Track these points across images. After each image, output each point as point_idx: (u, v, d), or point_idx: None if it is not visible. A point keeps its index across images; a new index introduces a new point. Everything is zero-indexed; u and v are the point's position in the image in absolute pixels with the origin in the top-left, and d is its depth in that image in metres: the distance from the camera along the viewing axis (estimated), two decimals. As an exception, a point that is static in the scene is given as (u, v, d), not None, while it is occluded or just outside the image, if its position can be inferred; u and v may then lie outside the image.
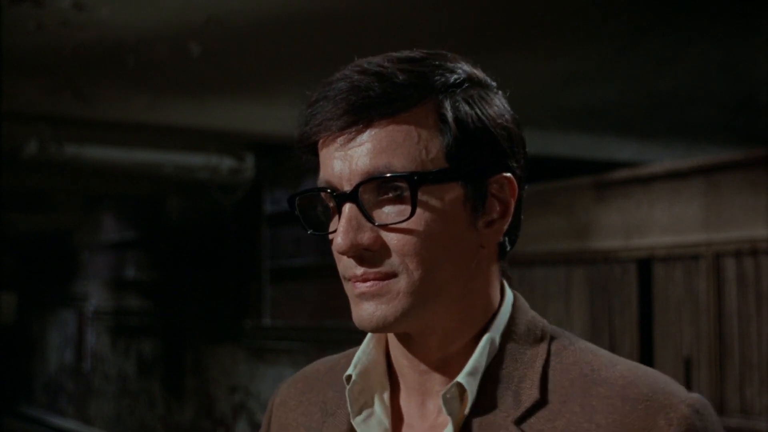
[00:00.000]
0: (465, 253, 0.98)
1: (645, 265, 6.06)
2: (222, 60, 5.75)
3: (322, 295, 8.35)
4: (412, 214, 0.94)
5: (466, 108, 0.97)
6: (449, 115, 0.96)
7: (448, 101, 0.96)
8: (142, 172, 7.19)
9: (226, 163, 7.28)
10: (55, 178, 9.05)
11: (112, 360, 13.14)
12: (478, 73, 1.02)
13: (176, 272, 10.83)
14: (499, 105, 1.01)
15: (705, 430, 0.94)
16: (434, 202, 0.96)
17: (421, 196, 0.94)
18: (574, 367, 0.98)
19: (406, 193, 0.95)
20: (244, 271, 9.26)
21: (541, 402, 0.96)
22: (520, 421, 0.95)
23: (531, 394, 0.97)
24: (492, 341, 1.00)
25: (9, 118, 5.84)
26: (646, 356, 6.03)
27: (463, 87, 0.98)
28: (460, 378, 0.97)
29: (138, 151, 6.79)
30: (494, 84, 1.03)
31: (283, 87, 6.28)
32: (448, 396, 0.97)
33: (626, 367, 0.98)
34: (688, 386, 5.68)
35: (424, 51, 1.01)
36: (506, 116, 1.00)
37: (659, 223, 5.93)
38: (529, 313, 1.05)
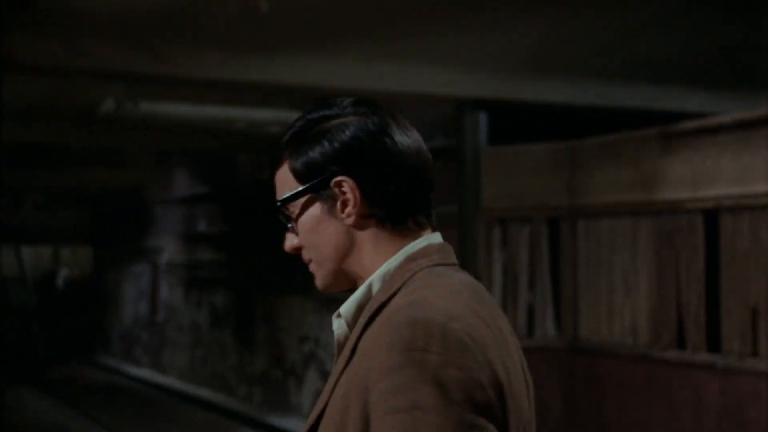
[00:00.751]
0: (338, 236, 1.47)
1: (712, 216, 6.05)
2: (291, 15, 5.87)
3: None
4: (294, 222, 1.49)
5: (302, 150, 1.46)
6: (291, 162, 1.48)
7: (288, 152, 1.48)
8: (214, 127, 7.37)
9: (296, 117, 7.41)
10: (129, 135, 9.29)
11: (184, 311, 13.48)
12: (329, 112, 1.48)
13: (246, 226, 11.06)
14: (335, 132, 1.46)
15: (409, 341, 1.27)
16: (302, 211, 1.48)
17: (293, 211, 1.49)
18: (395, 304, 1.37)
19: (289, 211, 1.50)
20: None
21: (368, 324, 1.39)
22: (360, 336, 1.38)
23: (367, 319, 1.40)
24: (370, 287, 1.45)
25: (86, 77, 6.03)
26: (713, 307, 6.06)
27: (299, 136, 1.47)
28: (342, 308, 1.46)
29: (210, 107, 6.97)
30: (348, 112, 1.48)
31: (352, 42, 6.38)
32: (334, 318, 1.47)
33: (411, 299, 1.36)
34: (755, 336, 5.70)
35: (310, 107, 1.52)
36: (343, 136, 1.45)
37: (726, 173, 5.91)
38: (407, 268, 1.44)
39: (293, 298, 10.02)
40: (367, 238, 1.46)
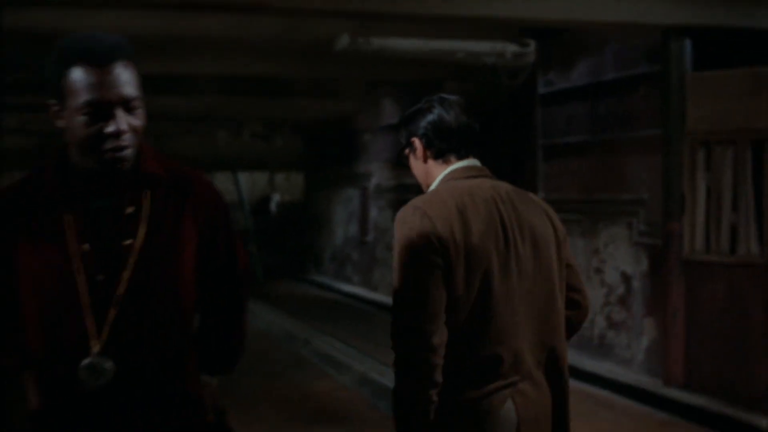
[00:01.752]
0: (419, 168, 2.66)
1: None
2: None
3: (592, 170, 8.92)
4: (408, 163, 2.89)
5: (403, 127, 2.75)
6: (400, 134, 2.85)
7: (401, 127, 2.80)
8: (435, 59, 7.98)
9: (510, 48, 7.95)
10: (348, 67, 10.00)
11: (392, 232, 14.25)
12: (416, 106, 2.70)
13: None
14: (412, 116, 2.67)
15: (400, 214, 2.47)
16: (408, 157, 2.74)
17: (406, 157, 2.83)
18: None
19: None
20: (519, 149, 9.96)
21: None
22: None
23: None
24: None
25: (322, 15, 6.73)
26: None
27: (404, 119, 2.73)
28: None
29: (434, 40, 7.58)
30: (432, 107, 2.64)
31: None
32: None
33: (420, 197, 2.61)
34: None
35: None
36: (416, 118, 2.65)
37: None
38: (442, 181, 2.60)
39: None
40: (430, 167, 2.60)
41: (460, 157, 2.58)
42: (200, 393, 2.25)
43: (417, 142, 2.59)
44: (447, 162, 2.58)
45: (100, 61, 2.02)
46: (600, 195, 8.84)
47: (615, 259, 8.66)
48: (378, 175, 14.87)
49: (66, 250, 2.06)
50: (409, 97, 13.05)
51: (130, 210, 2.12)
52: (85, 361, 2.04)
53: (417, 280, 2.36)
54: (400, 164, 2.74)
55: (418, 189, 2.63)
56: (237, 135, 16.59)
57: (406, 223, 2.41)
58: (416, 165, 2.65)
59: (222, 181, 18.04)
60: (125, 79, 2.03)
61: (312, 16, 6.79)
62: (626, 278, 8.49)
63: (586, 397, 7.70)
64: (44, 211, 2.10)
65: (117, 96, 2.02)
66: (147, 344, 2.10)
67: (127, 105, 2.04)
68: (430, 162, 2.59)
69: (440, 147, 2.57)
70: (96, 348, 2.04)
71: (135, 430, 2.10)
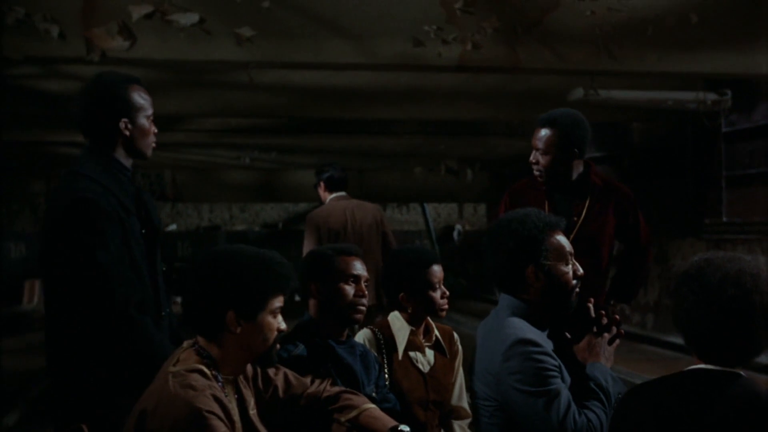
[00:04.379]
0: None
1: None
2: (710, 23, 8.11)
3: (774, 197, 10.51)
4: None
5: None
6: None
7: None
8: (651, 107, 9.79)
9: (710, 96, 9.71)
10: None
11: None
12: None
13: (647, 182, 13.34)
14: None
15: None
16: None
17: None
18: None
19: None
20: (705, 179, 11.63)
21: None
22: None
23: None
24: None
25: (564, 74, 8.58)
26: None
27: None
28: None
29: (649, 91, 9.39)
30: None
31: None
32: None
33: None
34: None
35: None
36: None
37: None
38: None
39: (685, 240, 12.22)
40: None
41: None
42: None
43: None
44: None
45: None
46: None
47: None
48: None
49: None
50: (597, 136, 14.83)
51: None
52: None
53: None
54: None
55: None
56: (432, 170, 18.53)
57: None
58: None
59: (413, 212, 19.99)
60: None
61: (553, 74, 8.68)
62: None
63: None
64: None
65: None
66: None
67: None
68: None
69: None
70: None
71: None
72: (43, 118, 11.94)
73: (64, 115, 11.15)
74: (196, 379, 2.34)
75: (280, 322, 2.57)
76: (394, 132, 15.36)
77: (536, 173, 4.34)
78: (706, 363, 2.38)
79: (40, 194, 18.90)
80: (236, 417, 2.44)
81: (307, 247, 6.61)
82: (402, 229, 21.22)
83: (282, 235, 20.65)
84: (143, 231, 3.14)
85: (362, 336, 3.59)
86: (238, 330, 2.48)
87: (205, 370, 2.41)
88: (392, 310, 3.71)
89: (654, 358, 10.90)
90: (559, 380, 2.85)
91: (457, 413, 3.74)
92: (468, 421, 3.73)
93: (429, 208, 21.43)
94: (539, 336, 2.96)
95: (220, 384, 2.43)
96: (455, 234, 21.55)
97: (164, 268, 3.26)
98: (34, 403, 8.34)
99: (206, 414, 2.25)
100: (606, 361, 3.06)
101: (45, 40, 7.20)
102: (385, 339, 3.59)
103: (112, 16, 7.11)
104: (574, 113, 4.32)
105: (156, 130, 3.27)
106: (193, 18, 7.28)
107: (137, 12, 7.11)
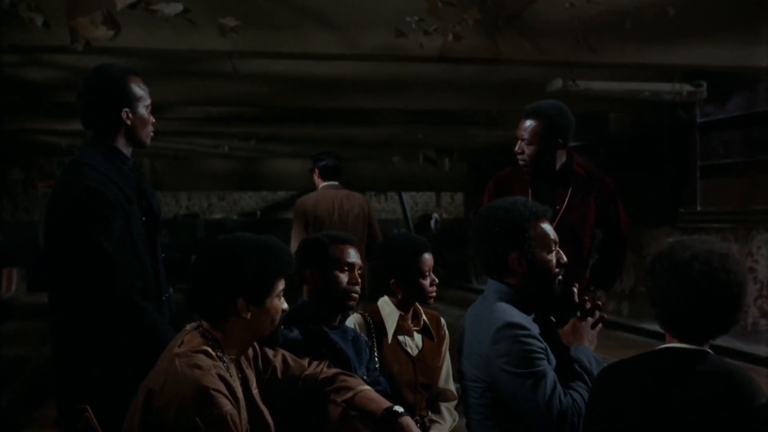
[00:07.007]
0: None
1: None
2: (688, 16, 8.25)
3: (748, 187, 10.68)
4: None
5: None
6: None
7: None
8: (627, 97, 9.91)
9: (686, 88, 9.87)
10: (528, 102, 11.91)
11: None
12: None
13: (623, 172, 13.48)
14: None
15: None
16: None
17: None
18: None
19: None
20: (680, 169, 11.80)
21: None
22: None
23: None
24: None
25: (542, 65, 8.69)
26: None
27: None
28: None
29: (626, 82, 9.53)
30: None
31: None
32: None
33: None
34: None
35: None
36: None
37: None
38: None
39: (661, 229, 12.38)
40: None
41: None
42: None
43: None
44: None
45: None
46: (753, 207, 10.60)
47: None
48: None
49: None
50: (575, 126, 14.96)
51: None
52: None
53: None
54: None
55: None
56: (410, 160, 18.64)
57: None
58: None
59: (391, 201, 20.13)
60: None
61: (533, 65, 8.79)
62: (776, 276, 10.26)
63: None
64: None
65: None
66: None
67: None
68: None
69: None
70: None
71: None
72: (22, 106, 11.92)
73: (43, 104, 11.14)
74: (202, 359, 2.43)
75: (283, 303, 2.68)
76: (374, 121, 15.41)
77: (521, 163, 4.45)
78: (678, 341, 2.52)
79: (18, 182, 18.85)
80: (240, 395, 2.54)
81: (296, 231, 6.76)
82: (380, 217, 21.29)
83: (260, 223, 20.69)
84: (144, 219, 3.22)
85: (353, 320, 3.70)
86: (248, 315, 2.57)
87: (210, 350, 2.50)
88: (374, 298, 3.83)
89: (629, 344, 11.07)
90: (545, 362, 2.97)
91: (444, 395, 3.86)
92: (454, 403, 3.85)
93: (406, 197, 21.54)
94: (526, 320, 3.07)
95: (224, 364, 2.53)
96: (432, 223, 21.68)
97: (163, 255, 3.35)
98: (14, 392, 8.37)
99: (213, 392, 2.34)
100: (590, 344, 3.19)
101: (29, 29, 7.22)
102: (375, 323, 3.70)
103: (97, 5, 7.14)
104: (559, 105, 4.43)
105: (154, 120, 3.35)
106: (177, 8, 7.32)
107: (122, 2, 7.14)
